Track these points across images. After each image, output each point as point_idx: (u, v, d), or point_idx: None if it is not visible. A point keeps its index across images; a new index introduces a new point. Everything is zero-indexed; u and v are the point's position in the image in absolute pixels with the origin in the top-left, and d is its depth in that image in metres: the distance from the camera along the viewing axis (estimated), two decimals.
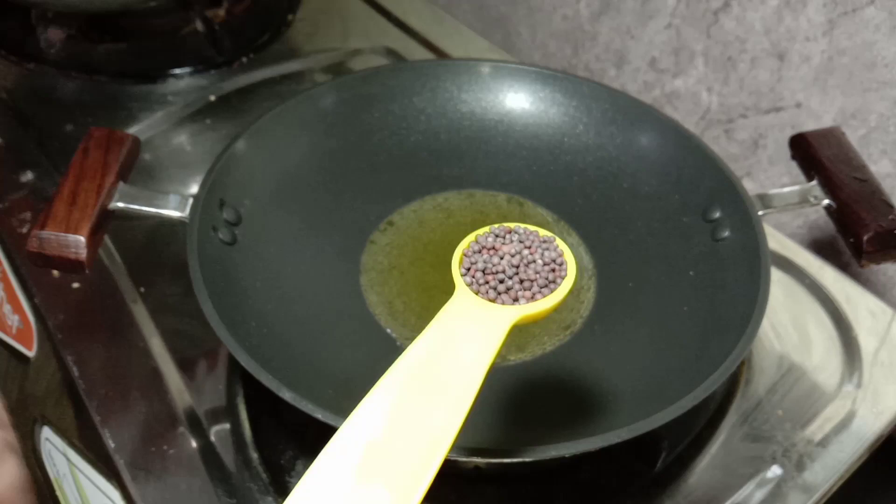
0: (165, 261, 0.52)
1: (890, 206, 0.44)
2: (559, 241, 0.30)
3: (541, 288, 0.29)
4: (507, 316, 0.28)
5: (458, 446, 0.33)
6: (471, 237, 0.30)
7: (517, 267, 0.29)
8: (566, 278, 0.29)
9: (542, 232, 0.31)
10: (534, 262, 0.29)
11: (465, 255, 0.30)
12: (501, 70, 0.54)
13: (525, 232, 0.30)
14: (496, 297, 0.29)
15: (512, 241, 0.30)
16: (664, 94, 0.69)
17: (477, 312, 0.28)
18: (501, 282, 0.29)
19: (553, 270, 0.29)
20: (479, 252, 0.30)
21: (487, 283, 0.29)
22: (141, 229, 0.53)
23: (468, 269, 0.30)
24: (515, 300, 0.29)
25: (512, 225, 0.31)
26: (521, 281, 0.29)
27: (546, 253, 0.29)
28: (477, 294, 0.29)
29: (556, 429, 0.38)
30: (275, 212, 0.47)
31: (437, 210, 0.52)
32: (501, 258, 0.29)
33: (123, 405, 0.44)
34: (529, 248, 0.30)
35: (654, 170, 0.50)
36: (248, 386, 0.45)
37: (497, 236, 0.30)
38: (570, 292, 0.29)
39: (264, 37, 0.71)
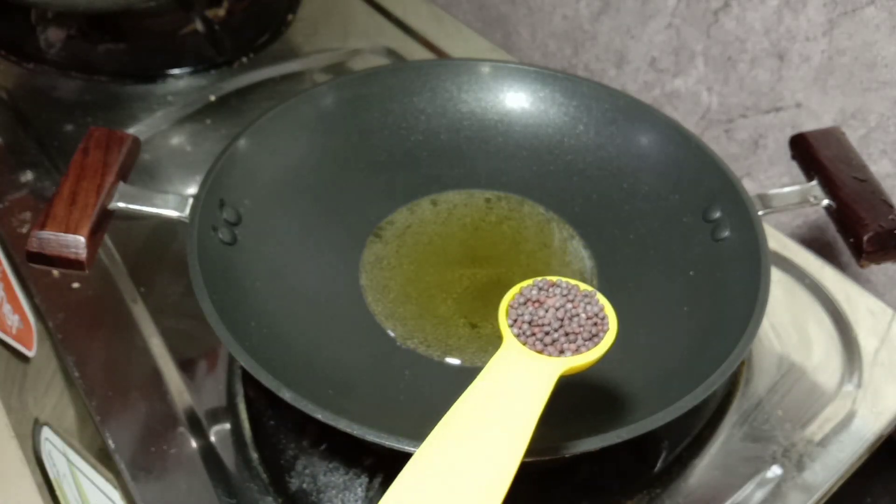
0: (165, 261, 0.52)
1: (890, 206, 0.44)
2: (600, 296, 0.32)
3: (585, 341, 0.30)
4: (554, 367, 0.29)
5: None
6: (515, 289, 0.32)
7: (562, 320, 0.30)
8: (608, 332, 0.31)
9: (583, 286, 0.32)
10: (577, 315, 0.31)
11: (510, 306, 0.31)
12: (501, 70, 0.54)
13: (567, 286, 0.32)
14: (543, 349, 0.30)
15: (555, 295, 0.31)
16: (664, 94, 0.69)
17: (526, 363, 0.29)
18: (547, 333, 0.30)
19: (595, 324, 0.31)
20: (525, 304, 0.31)
21: (534, 334, 0.30)
22: (141, 229, 0.53)
23: (515, 321, 0.31)
24: (561, 352, 0.30)
25: (554, 279, 0.32)
26: (567, 334, 0.30)
27: (588, 307, 0.31)
28: (524, 345, 0.30)
29: (556, 429, 0.38)
30: (275, 211, 0.47)
31: (437, 210, 0.52)
32: (547, 311, 0.31)
33: (123, 405, 0.44)
34: (572, 301, 0.31)
35: (654, 170, 0.50)
36: (248, 386, 0.45)
37: (541, 289, 0.32)
38: (612, 346, 0.30)
39: (264, 37, 0.71)
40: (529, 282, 0.32)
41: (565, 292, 0.31)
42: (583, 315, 0.31)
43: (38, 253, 0.40)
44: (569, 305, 0.31)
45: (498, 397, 0.28)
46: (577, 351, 0.30)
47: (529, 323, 0.31)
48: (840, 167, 0.45)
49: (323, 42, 0.71)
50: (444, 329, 0.45)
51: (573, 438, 0.33)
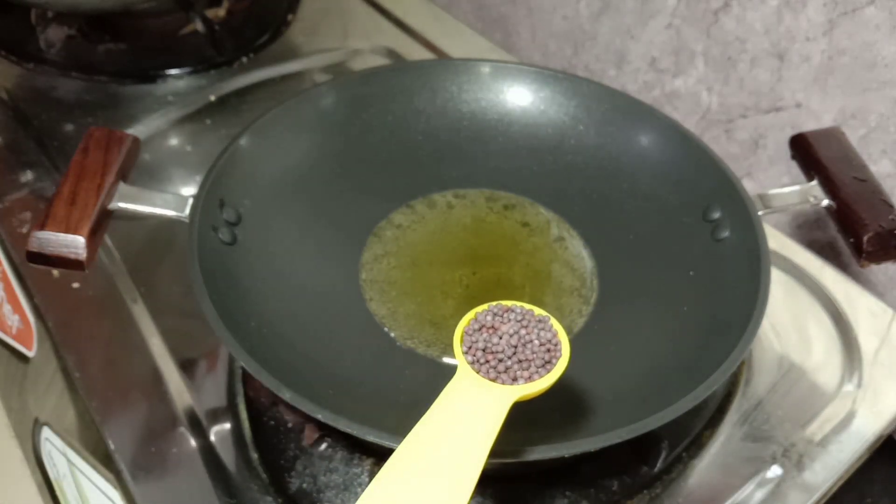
0: (165, 261, 0.52)
1: (890, 206, 0.44)
2: (553, 321, 0.32)
3: (538, 368, 0.31)
4: (507, 396, 0.30)
5: None
6: (471, 314, 0.32)
7: (515, 347, 0.31)
8: (561, 359, 0.31)
9: (538, 311, 0.32)
10: (531, 342, 0.31)
11: (465, 333, 0.32)
12: (501, 70, 0.54)
13: (521, 311, 0.32)
14: (496, 377, 0.30)
15: (510, 321, 0.32)
16: (664, 94, 0.69)
17: (479, 392, 0.30)
18: (501, 361, 0.30)
19: (549, 350, 0.31)
20: (479, 330, 0.31)
21: (488, 362, 0.31)
22: (141, 229, 0.53)
23: (469, 348, 0.31)
24: (514, 380, 0.30)
25: (509, 303, 0.32)
26: (520, 361, 0.31)
27: (542, 333, 0.31)
28: (478, 373, 0.30)
29: (557, 429, 0.38)
30: (275, 211, 0.47)
31: (437, 210, 0.52)
32: (500, 338, 0.31)
33: (123, 405, 0.44)
34: (526, 327, 0.31)
35: (654, 170, 0.50)
36: (248, 386, 0.45)
37: (495, 315, 0.32)
38: (565, 372, 0.31)
39: (264, 37, 0.71)
40: (485, 307, 0.32)
41: (519, 318, 0.32)
42: (536, 341, 0.31)
43: (38, 253, 0.40)
44: (522, 332, 0.31)
45: (452, 426, 0.28)
46: (529, 378, 0.30)
47: (483, 350, 0.31)
48: (840, 167, 0.45)
49: (323, 42, 0.71)
50: (444, 329, 0.45)
51: (574, 438, 0.33)
